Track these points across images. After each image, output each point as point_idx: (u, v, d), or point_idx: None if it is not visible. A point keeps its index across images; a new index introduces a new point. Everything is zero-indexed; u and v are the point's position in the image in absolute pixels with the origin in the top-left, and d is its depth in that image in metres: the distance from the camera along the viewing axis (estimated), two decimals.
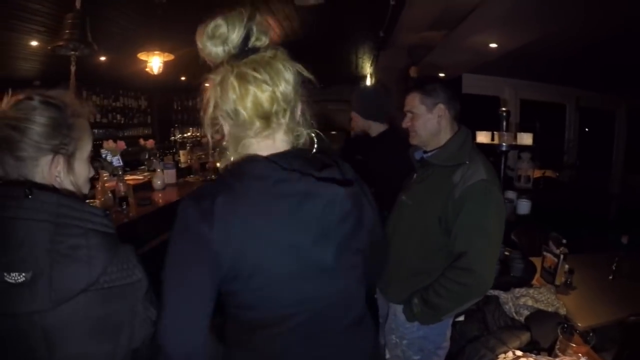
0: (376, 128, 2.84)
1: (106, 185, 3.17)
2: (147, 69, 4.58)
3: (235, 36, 1.03)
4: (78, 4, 3.21)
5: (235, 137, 1.07)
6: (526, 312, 2.09)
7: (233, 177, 1.02)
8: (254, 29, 1.04)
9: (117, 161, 5.05)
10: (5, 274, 0.92)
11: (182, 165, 5.32)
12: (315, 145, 1.15)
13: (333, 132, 7.96)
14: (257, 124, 1.03)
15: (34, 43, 5.82)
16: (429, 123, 1.96)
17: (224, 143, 1.10)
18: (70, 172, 1.10)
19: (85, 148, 1.15)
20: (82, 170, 1.15)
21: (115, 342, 1.04)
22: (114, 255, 1.02)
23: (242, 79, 1.00)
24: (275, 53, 1.04)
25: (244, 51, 1.03)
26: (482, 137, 3.86)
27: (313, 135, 1.13)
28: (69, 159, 1.09)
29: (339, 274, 1.12)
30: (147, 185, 4.16)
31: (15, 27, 5.15)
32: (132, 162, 4.98)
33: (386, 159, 2.53)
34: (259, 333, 1.09)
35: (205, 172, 4.91)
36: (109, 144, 3.20)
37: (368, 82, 9.47)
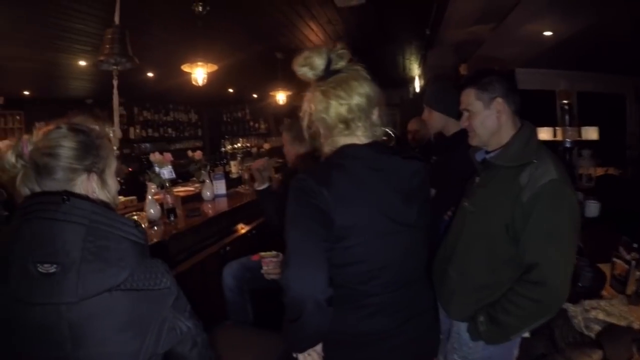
0: (453, 126, 2.57)
1: (155, 197, 3.21)
2: (192, 81, 4.64)
3: (320, 63, 1.40)
4: (117, 20, 3.26)
5: (326, 136, 1.45)
6: (597, 327, 1.92)
7: (339, 158, 1.38)
8: (333, 56, 1.40)
9: (169, 173, 5.18)
10: (39, 265, 1.01)
11: (233, 176, 5.43)
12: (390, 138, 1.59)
13: (392, 132, 7.71)
14: (340, 126, 1.40)
15: (82, 63, 6.03)
16: (488, 120, 1.79)
17: (320, 139, 1.48)
18: (104, 186, 1.24)
19: (112, 164, 1.29)
20: (113, 183, 1.28)
21: (140, 343, 1.10)
22: (142, 262, 1.12)
23: (325, 95, 1.38)
24: (351, 73, 1.40)
25: (327, 73, 1.40)
26: (544, 134, 3.63)
27: (388, 131, 1.50)
28: (101, 175, 1.23)
29: (418, 229, 1.47)
30: (197, 197, 4.19)
31: (62, 47, 5.34)
32: (184, 174, 5.08)
33: (459, 161, 2.36)
34: (361, 286, 1.38)
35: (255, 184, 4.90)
36: (155, 156, 3.23)
37: (417, 84, 9.28)
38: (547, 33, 4.45)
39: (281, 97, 7.19)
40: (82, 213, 1.07)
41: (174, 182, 5.04)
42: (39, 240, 1.04)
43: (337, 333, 1.42)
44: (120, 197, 3.74)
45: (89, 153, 1.19)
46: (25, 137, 1.17)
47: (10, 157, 1.15)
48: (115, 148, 1.42)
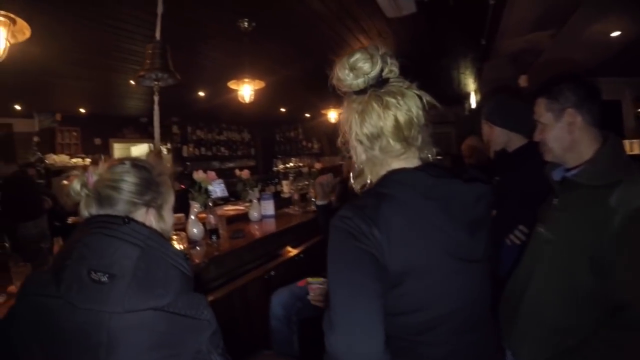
0: (517, 142, 2.37)
1: (199, 216, 3.08)
2: (239, 98, 4.59)
3: (376, 69, 1.16)
4: (158, 35, 3.21)
5: (373, 159, 1.20)
6: None
7: (387, 187, 1.14)
8: (388, 61, 1.17)
9: (222, 191, 5.10)
10: (92, 272, 1.08)
11: (285, 196, 5.39)
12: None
13: (438, 157, 7.45)
14: (398, 146, 1.16)
15: (133, 82, 6.19)
16: (560, 134, 1.60)
17: (359, 166, 1.24)
18: (161, 221, 1.33)
19: (170, 200, 1.38)
20: (169, 217, 1.37)
21: None
22: (186, 292, 1.18)
23: (385, 106, 1.14)
24: (404, 83, 1.17)
25: (380, 81, 1.16)
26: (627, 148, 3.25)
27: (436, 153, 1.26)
28: (159, 210, 1.32)
29: (484, 263, 1.23)
30: (246, 217, 4.07)
31: (113, 66, 5.48)
32: (236, 193, 5.02)
33: (524, 179, 2.10)
34: (421, 337, 1.13)
35: (305, 204, 4.74)
36: (199, 174, 3.11)
37: (472, 100, 8.93)
38: (615, 33, 4.10)
39: (333, 115, 7.12)
40: (139, 237, 1.15)
41: (225, 200, 4.99)
42: (97, 252, 1.11)
43: None
44: None
45: (149, 189, 1.28)
46: (92, 168, 1.28)
47: (76, 185, 1.26)
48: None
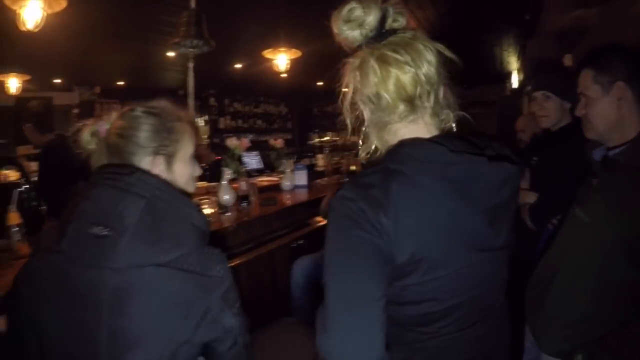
0: (566, 120, 2.26)
1: (233, 186, 3.12)
2: (274, 67, 4.58)
3: (372, 18, 0.99)
4: (193, 3, 3.24)
5: (379, 123, 1.02)
6: None
7: (398, 163, 0.94)
8: (390, 10, 1.00)
9: (257, 163, 5.16)
10: (93, 227, 1.02)
11: (320, 169, 5.40)
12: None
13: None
14: (402, 107, 0.97)
15: (170, 54, 6.23)
16: (607, 109, 1.48)
17: (365, 129, 1.07)
18: (170, 172, 1.23)
19: (185, 150, 1.27)
20: (183, 169, 1.27)
21: (177, 326, 1.06)
22: (197, 247, 1.11)
23: (383, 61, 0.95)
24: (415, 34, 0.99)
25: (382, 33, 0.99)
26: None
27: (460, 117, 1.08)
28: (169, 159, 1.23)
29: (502, 252, 1.07)
30: (279, 187, 4.10)
31: (151, 39, 5.53)
32: (271, 165, 5.07)
33: (566, 158, 2.01)
34: (422, 330, 1.01)
35: (339, 176, 4.74)
36: (232, 141, 3.15)
37: (514, 79, 8.63)
38: None
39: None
40: (146, 187, 1.08)
41: (260, 172, 5.06)
42: (99, 205, 1.06)
43: None
44: (203, 182, 3.72)
45: (159, 135, 1.20)
46: (106, 117, 1.27)
47: (87, 135, 1.26)
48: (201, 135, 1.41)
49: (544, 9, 4.50)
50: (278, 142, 4.06)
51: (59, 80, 7.89)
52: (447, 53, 1.00)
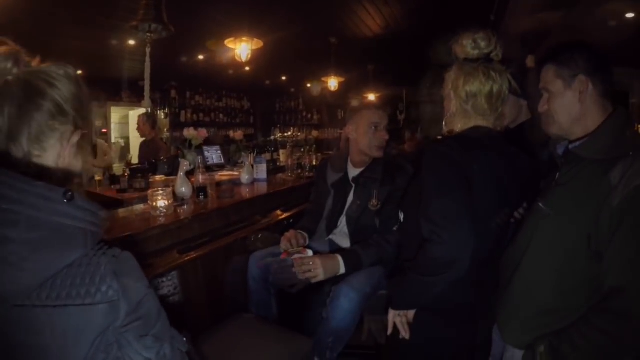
0: (523, 117, 2.34)
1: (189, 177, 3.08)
2: (235, 58, 4.52)
3: (489, 48, 1.57)
4: None
5: (465, 113, 1.59)
6: None
7: (475, 135, 1.56)
8: (498, 47, 1.58)
9: (218, 158, 5.09)
10: None
11: (281, 164, 5.41)
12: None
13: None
14: (486, 106, 1.55)
15: (132, 42, 6.08)
16: (569, 103, 1.53)
17: (451, 114, 1.63)
18: (79, 152, 1.04)
19: (90, 128, 1.11)
20: (88, 148, 1.09)
21: None
22: (68, 261, 0.83)
23: (488, 75, 1.53)
24: (505, 68, 1.57)
25: (488, 59, 1.57)
26: None
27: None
28: (79, 135, 1.03)
29: (509, 221, 1.69)
30: (239, 181, 4.03)
31: (109, 25, 5.38)
32: (232, 160, 5.02)
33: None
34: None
35: (300, 171, 4.73)
36: (190, 131, 3.08)
37: None
38: (629, 15, 4.02)
39: (333, 83, 7.05)
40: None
41: (221, 167, 5.00)
42: None
43: (441, 302, 1.53)
44: (162, 176, 3.65)
45: (78, 104, 1.02)
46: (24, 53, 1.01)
47: (4, 61, 0.95)
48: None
49: (509, 10, 4.58)
50: (237, 135, 4.00)
51: None
52: (515, 85, 1.61)
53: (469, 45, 1.56)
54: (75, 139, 1.00)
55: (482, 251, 1.47)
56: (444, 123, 1.69)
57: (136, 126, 5.77)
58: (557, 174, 1.60)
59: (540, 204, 1.58)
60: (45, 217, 0.82)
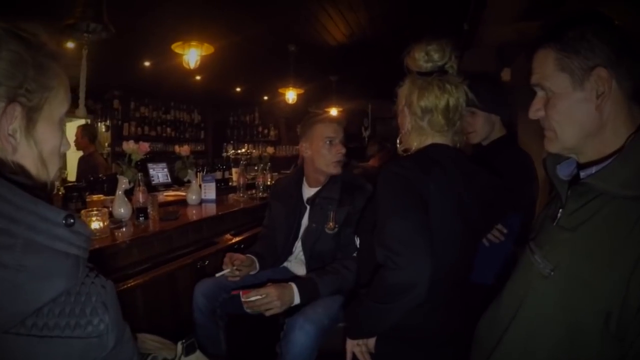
0: (497, 132, 2.35)
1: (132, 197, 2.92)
2: (183, 64, 4.40)
3: (443, 60, 1.55)
4: None
5: (420, 130, 1.58)
6: None
7: (435, 154, 1.53)
8: (453, 58, 1.56)
9: (164, 177, 4.91)
10: None
11: (233, 184, 5.30)
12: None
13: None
14: (442, 122, 1.53)
15: (70, 44, 5.83)
16: (578, 109, 1.07)
17: (405, 132, 1.63)
18: (32, 133, 0.84)
19: (59, 106, 0.89)
20: (51, 136, 0.88)
21: None
22: (60, 290, 0.78)
23: (443, 89, 1.51)
24: (461, 79, 1.56)
25: (443, 71, 1.54)
26: None
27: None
28: (32, 114, 0.84)
29: (474, 240, 1.70)
30: (185, 202, 3.90)
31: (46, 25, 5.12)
32: (179, 179, 4.84)
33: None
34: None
35: (252, 192, 4.61)
36: (129, 145, 2.91)
37: None
38: None
39: (291, 95, 6.97)
40: None
41: (167, 186, 4.82)
42: None
43: (403, 328, 1.51)
44: (100, 195, 3.45)
45: (21, 72, 0.81)
46: None
47: None
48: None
49: (483, 19, 4.59)
50: (184, 150, 3.82)
51: None
52: (472, 97, 1.58)
53: (422, 59, 1.55)
54: (15, 116, 0.81)
55: (446, 273, 1.48)
56: (397, 141, 1.69)
57: (73, 139, 5.52)
58: (560, 210, 1.15)
59: (536, 256, 1.16)
60: (43, 240, 0.75)
